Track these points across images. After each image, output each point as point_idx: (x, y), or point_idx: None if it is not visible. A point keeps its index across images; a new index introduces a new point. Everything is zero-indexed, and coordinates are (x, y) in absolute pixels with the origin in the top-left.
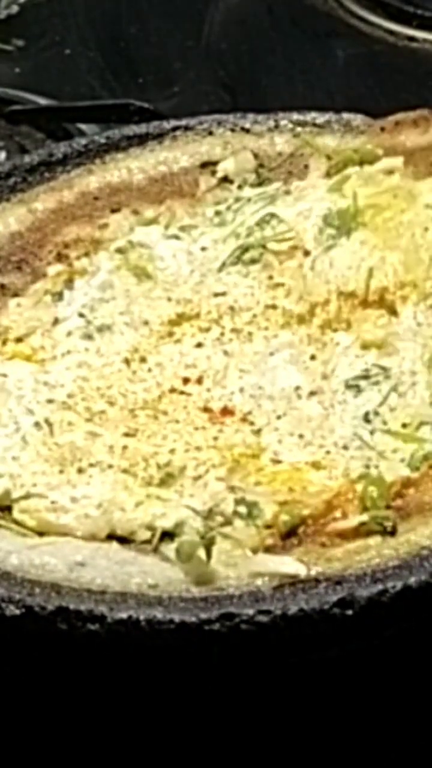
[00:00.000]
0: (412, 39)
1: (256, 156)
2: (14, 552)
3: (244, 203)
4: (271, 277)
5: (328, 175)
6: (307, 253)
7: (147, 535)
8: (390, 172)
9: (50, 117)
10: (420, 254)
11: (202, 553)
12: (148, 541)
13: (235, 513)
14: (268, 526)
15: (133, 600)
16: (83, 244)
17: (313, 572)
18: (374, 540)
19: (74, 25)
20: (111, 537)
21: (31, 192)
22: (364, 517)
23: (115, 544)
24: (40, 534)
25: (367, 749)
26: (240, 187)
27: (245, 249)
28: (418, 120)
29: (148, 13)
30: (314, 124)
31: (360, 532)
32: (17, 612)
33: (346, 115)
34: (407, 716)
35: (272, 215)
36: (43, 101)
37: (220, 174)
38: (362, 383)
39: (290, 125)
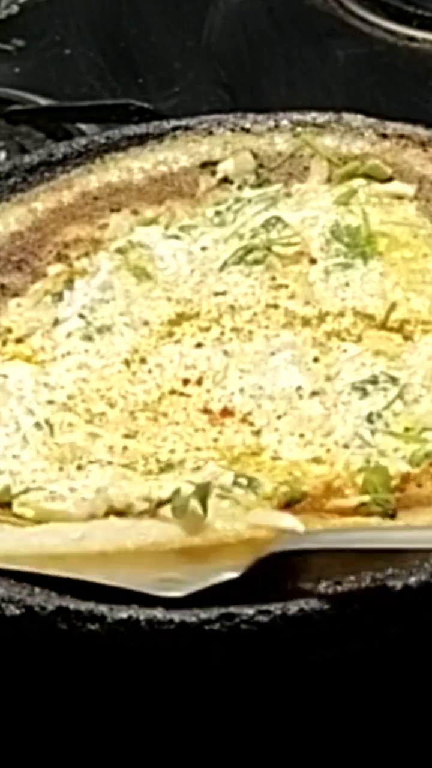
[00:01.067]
0: (412, 39)
1: (255, 156)
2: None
3: (244, 204)
4: (273, 278)
5: (329, 180)
6: (313, 261)
7: (144, 506)
8: (400, 197)
9: (50, 117)
10: None
11: (197, 506)
12: (145, 512)
13: (235, 483)
14: (267, 499)
15: (133, 600)
16: (83, 244)
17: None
18: (374, 520)
19: (74, 25)
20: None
21: (31, 192)
22: (365, 498)
23: (113, 518)
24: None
25: (367, 749)
26: (240, 187)
27: (249, 250)
28: (427, 143)
29: (148, 13)
30: (314, 124)
31: (359, 512)
32: (17, 612)
33: (346, 115)
34: (407, 716)
35: (278, 219)
36: (43, 101)
37: (220, 174)
38: (369, 387)
39: (290, 125)
